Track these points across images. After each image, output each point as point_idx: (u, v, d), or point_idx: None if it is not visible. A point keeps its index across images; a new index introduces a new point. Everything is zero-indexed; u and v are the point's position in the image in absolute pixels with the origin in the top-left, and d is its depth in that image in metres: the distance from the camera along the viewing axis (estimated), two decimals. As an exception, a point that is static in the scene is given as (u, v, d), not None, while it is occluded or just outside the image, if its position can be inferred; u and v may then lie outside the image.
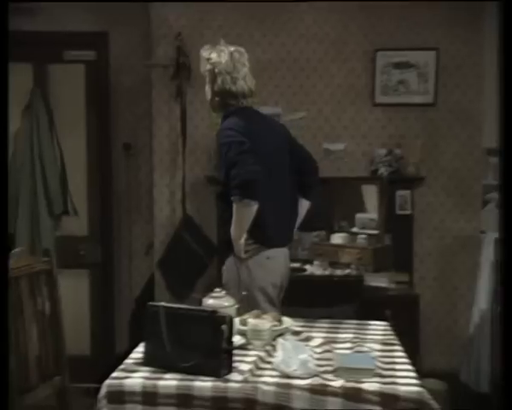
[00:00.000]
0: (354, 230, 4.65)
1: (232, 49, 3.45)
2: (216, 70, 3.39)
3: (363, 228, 4.58)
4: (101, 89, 5.41)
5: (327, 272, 4.29)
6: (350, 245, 4.43)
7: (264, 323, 2.58)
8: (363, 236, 4.45)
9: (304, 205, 3.50)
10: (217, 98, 3.41)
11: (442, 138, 4.89)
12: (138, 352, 2.47)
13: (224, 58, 3.40)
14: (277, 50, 4.97)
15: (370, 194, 4.71)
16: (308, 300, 3.83)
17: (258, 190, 3.05)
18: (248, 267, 3.19)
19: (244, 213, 3.08)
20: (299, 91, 4.99)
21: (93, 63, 5.41)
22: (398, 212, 4.80)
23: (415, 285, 4.81)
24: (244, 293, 3.03)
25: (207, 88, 3.48)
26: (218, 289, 2.98)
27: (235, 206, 3.08)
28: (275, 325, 2.62)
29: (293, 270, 4.43)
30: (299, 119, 4.99)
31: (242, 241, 3.17)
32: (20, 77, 5.35)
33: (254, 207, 3.06)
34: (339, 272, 4.28)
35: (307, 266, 4.47)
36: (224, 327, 2.20)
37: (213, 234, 5.03)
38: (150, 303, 2.37)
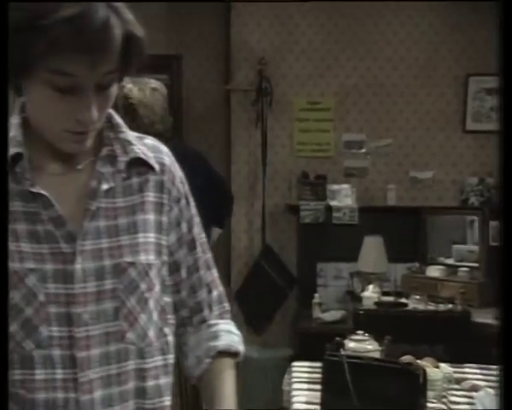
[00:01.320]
0: (449, 261, 4.46)
1: (154, 85, 3.19)
2: (134, 107, 3.06)
3: (461, 260, 4.39)
4: (173, 114, 5.23)
5: (431, 307, 4.08)
6: (452, 279, 4.24)
7: (437, 371, 2.38)
8: (465, 269, 4.26)
9: (216, 231, 3.63)
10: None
11: (537, 167, 4.71)
12: (301, 402, 2.28)
13: (145, 96, 3.10)
14: (362, 75, 4.81)
15: (464, 224, 4.53)
16: (412, 337, 3.64)
17: None
18: None
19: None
20: (385, 118, 4.82)
21: (166, 87, 5.24)
22: (492, 243, 4.61)
23: None
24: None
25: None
26: (360, 332, 2.79)
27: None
28: (447, 373, 2.42)
29: (392, 305, 4.25)
30: (385, 146, 4.82)
31: None
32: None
33: None
34: (442, 307, 4.08)
35: (403, 300, 4.26)
36: (420, 380, 2.01)
37: (293, 264, 4.85)
38: (329, 352, 2.18)
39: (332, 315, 4.35)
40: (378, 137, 4.82)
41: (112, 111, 1.24)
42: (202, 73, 5.13)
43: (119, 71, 1.13)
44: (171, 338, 1.28)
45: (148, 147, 1.27)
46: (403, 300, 4.27)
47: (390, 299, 4.27)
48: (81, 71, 1.07)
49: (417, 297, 4.18)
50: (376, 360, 2.14)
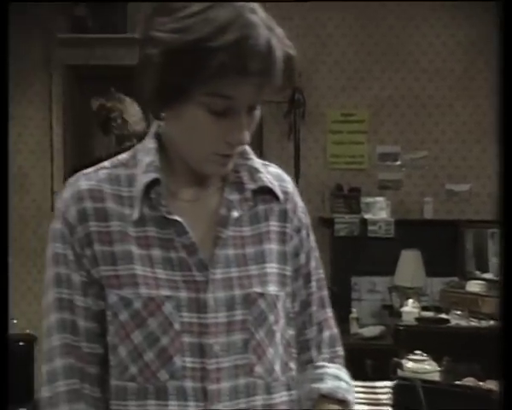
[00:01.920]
0: (487, 276, 4.37)
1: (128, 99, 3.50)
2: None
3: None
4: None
5: (474, 324, 4.00)
6: (493, 294, 4.15)
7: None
8: (507, 284, 4.17)
9: None
10: None
11: None
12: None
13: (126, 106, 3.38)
14: (397, 86, 4.75)
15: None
16: (453, 354, 3.55)
17: None
18: None
19: None
20: (420, 130, 4.75)
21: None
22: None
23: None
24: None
25: None
26: (418, 352, 2.73)
27: None
28: None
29: (433, 321, 4.17)
30: (420, 158, 4.75)
31: None
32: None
33: None
34: (484, 323, 4.00)
35: (443, 316, 4.19)
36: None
37: (326, 278, 4.75)
38: (400, 376, 2.10)
39: (370, 331, 4.27)
40: (413, 150, 4.75)
41: None
42: (233, 84, 5.07)
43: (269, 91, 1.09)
44: (295, 373, 1.23)
45: (272, 175, 1.24)
46: (443, 315, 4.20)
47: (431, 315, 4.19)
48: (242, 94, 1.05)
49: (458, 313, 4.10)
50: (451, 385, 2.06)
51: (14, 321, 4.59)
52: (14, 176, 4.61)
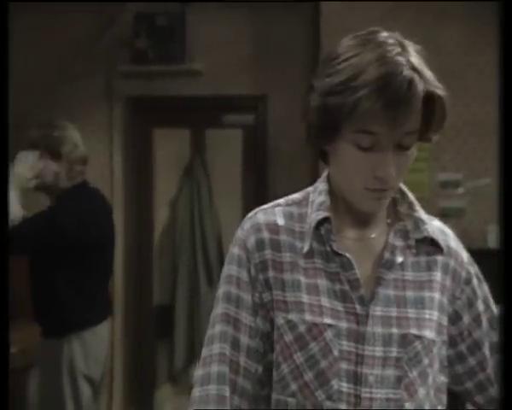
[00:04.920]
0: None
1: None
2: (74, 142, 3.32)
3: None
4: (258, 155, 5.17)
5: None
6: None
7: None
8: None
9: None
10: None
11: None
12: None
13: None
14: (460, 113, 4.64)
15: None
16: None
17: None
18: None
19: None
20: (484, 157, 4.63)
21: (251, 128, 5.19)
22: None
23: None
24: None
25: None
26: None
27: None
28: None
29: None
30: (484, 186, 4.62)
31: None
32: (177, 142, 5.18)
33: None
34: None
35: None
36: None
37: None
38: None
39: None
40: (476, 177, 4.63)
41: (406, 190, 1.36)
42: (287, 113, 5.05)
43: (419, 132, 1.22)
44: None
45: (435, 228, 1.34)
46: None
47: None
48: (384, 130, 1.16)
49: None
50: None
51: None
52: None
